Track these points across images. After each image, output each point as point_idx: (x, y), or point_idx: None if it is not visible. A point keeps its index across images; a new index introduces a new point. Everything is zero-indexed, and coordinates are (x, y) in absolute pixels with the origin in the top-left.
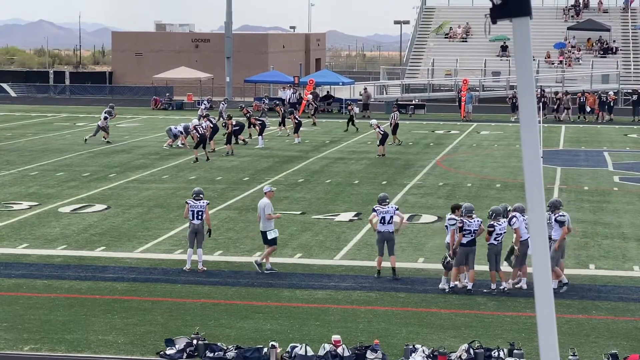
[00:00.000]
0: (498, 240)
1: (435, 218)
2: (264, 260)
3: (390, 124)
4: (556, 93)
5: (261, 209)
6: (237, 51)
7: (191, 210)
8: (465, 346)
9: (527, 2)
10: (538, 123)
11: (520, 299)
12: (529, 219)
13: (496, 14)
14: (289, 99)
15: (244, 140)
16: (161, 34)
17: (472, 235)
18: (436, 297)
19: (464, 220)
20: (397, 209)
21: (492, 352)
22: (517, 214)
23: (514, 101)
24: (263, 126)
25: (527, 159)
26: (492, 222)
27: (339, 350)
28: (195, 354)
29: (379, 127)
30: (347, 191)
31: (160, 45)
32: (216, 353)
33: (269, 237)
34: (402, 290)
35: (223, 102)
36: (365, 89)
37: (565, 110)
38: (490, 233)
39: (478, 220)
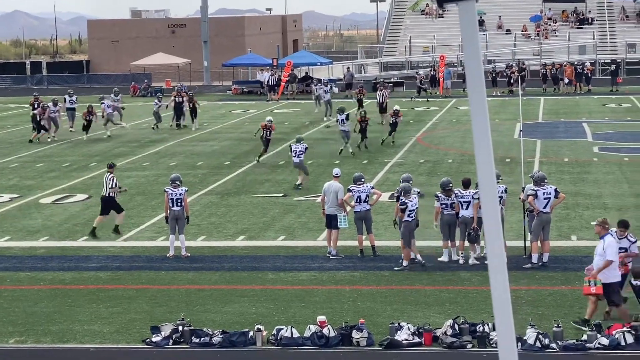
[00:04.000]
0: (412, 217)
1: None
2: (332, 245)
3: (379, 102)
4: (511, 66)
5: (332, 192)
6: (213, 35)
7: (170, 198)
8: (450, 322)
9: None
10: (517, 96)
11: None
12: (480, 194)
13: None
14: (267, 81)
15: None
16: (137, 20)
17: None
18: (420, 274)
19: (402, 198)
20: (373, 188)
21: (477, 327)
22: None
23: (494, 76)
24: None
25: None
26: (403, 199)
27: (325, 331)
28: (182, 340)
29: (397, 116)
30: (329, 172)
31: (136, 32)
32: (202, 338)
33: (340, 223)
34: (385, 268)
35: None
36: (348, 68)
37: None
38: (402, 210)
39: (415, 190)
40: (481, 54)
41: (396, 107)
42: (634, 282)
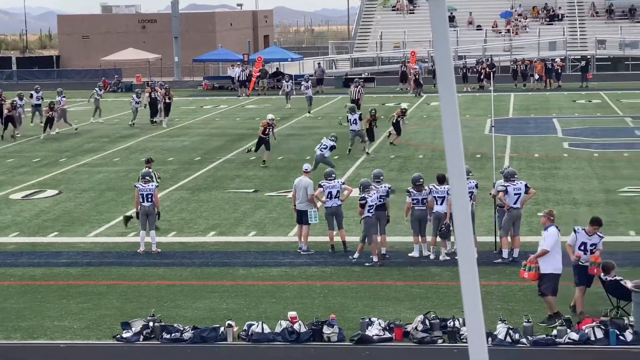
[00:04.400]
0: (372, 213)
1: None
2: (302, 241)
3: (353, 99)
4: (482, 62)
5: (302, 188)
6: (184, 31)
7: (140, 193)
8: (420, 317)
9: None
10: (487, 92)
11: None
12: (451, 190)
13: None
14: (238, 77)
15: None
16: (107, 15)
17: (380, 201)
18: (391, 270)
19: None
20: (344, 183)
21: (448, 322)
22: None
23: (464, 72)
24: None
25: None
26: (363, 195)
27: (296, 326)
28: (152, 336)
29: (403, 115)
30: (299, 167)
31: (106, 27)
32: (173, 334)
33: (310, 218)
34: (356, 264)
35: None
36: (319, 64)
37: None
38: (362, 206)
39: (385, 186)
40: (451, 49)
41: (404, 106)
42: (603, 277)
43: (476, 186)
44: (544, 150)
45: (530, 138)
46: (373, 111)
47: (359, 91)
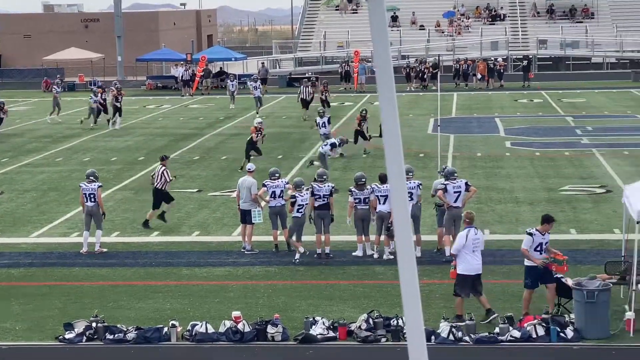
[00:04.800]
0: (301, 212)
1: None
2: (247, 241)
3: (302, 98)
4: (425, 62)
5: (246, 188)
6: (127, 30)
7: (84, 193)
8: (364, 316)
9: None
10: (430, 92)
11: (417, 266)
12: (390, 189)
13: None
14: (182, 76)
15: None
16: (49, 15)
17: (323, 200)
18: (335, 269)
19: (314, 185)
20: (287, 183)
21: (391, 321)
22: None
23: (408, 71)
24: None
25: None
26: (294, 193)
27: (240, 326)
28: (95, 337)
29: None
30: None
31: (49, 26)
32: (116, 335)
33: (253, 218)
34: (300, 263)
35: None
36: (262, 63)
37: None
38: (292, 204)
39: (329, 185)
40: (390, 49)
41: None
42: None
43: (419, 186)
44: (486, 150)
45: (473, 137)
46: (364, 112)
47: (309, 91)
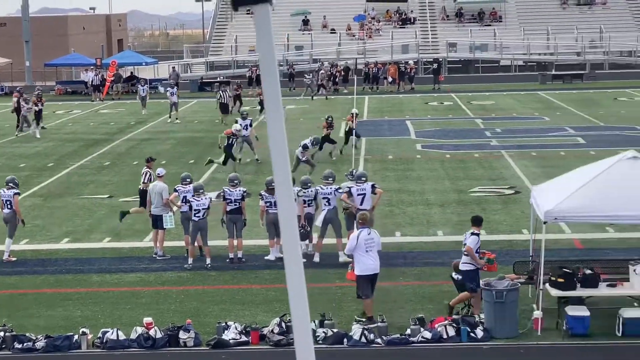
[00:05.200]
0: (199, 217)
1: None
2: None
3: (221, 102)
4: (336, 65)
5: (157, 193)
6: (36, 35)
7: (2, 199)
8: (277, 320)
9: None
10: (342, 95)
11: (330, 270)
12: (276, 194)
13: (237, 1)
14: (92, 81)
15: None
16: None
17: (235, 205)
18: (247, 273)
19: (225, 189)
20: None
21: None
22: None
23: (334, 73)
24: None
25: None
26: (189, 198)
27: (151, 332)
28: (3, 346)
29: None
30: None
31: None
32: (25, 344)
33: (165, 223)
34: (213, 268)
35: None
36: (173, 68)
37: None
38: (190, 209)
39: (240, 190)
40: (276, 55)
41: (355, 110)
42: (454, 276)
43: (337, 191)
44: (397, 152)
45: (384, 140)
46: (330, 118)
47: (228, 95)
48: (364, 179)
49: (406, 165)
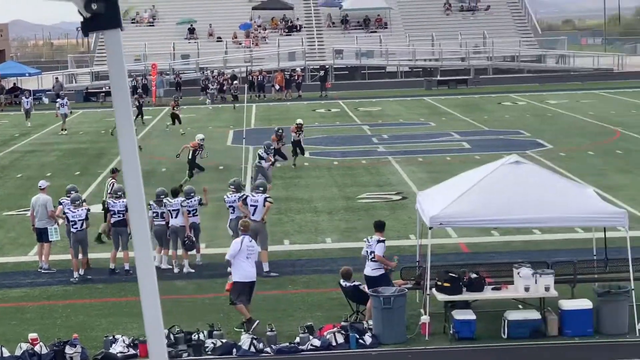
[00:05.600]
0: (76, 228)
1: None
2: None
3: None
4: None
5: (41, 205)
6: None
7: None
8: (165, 331)
9: (117, 15)
10: (228, 104)
11: (218, 279)
12: (128, 206)
13: (87, 27)
14: None
15: None
16: None
17: (119, 216)
18: (134, 285)
19: (109, 201)
20: (84, 201)
21: (192, 335)
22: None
23: (206, 84)
24: None
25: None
26: (67, 210)
27: (37, 348)
28: None
29: (300, 131)
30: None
31: None
32: None
33: (50, 236)
34: (99, 281)
35: None
36: (57, 78)
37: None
38: (68, 221)
39: (123, 201)
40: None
41: (299, 120)
42: (342, 283)
43: (266, 199)
44: (285, 160)
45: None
46: (280, 131)
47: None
48: (261, 189)
49: (294, 173)
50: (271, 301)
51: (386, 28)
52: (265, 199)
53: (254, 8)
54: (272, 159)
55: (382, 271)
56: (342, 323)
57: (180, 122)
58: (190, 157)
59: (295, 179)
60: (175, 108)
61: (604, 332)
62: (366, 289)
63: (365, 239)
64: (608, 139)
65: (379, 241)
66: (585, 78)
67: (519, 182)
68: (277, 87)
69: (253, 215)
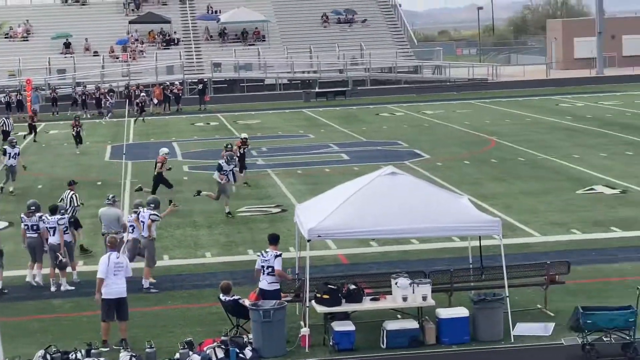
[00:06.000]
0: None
1: (6, 224)
2: None
3: (5, 130)
4: (98, 88)
5: None
6: None
7: None
8: (41, 352)
9: None
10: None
11: (184, 292)
12: None
13: None
14: None
15: None
16: None
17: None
18: (10, 304)
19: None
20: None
21: (70, 355)
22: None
23: (83, 98)
24: None
25: None
26: None
27: None
28: None
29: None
30: None
31: None
32: None
33: None
34: None
35: None
36: None
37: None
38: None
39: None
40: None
41: (244, 134)
42: (222, 298)
43: (150, 215)
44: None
45: (151, 163)
46: (229, 146)
47: (11, 123)
48: (152, 205)
49: (174, 187)
50: (150, 317)
51: (264, 41)
52: (149, 215)
53: (130, 22)
54: (225, 177)
55: (278, 285)
56: (222, 338)
57: (81, 142)
58: (156, 172)
59: (175, 194)
60: (75, 128)
61: (480, 339)
62: (245, 303)
63: (258, 253)
64: (483, 148)
65: (276, 256)
66: (460, 88)
67: (395, 193)
68: (156, 101)
69: (142, 231)
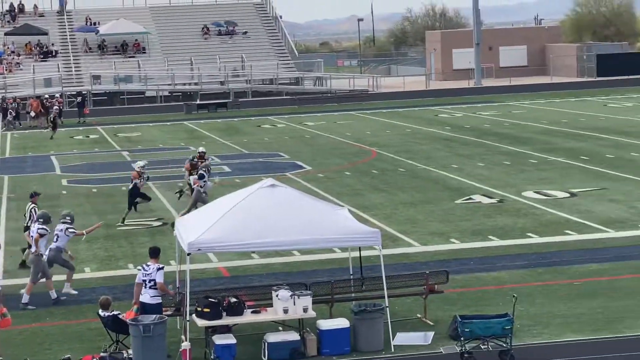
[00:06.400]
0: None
1: None
2: None
3: None
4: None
5: None
6: None
7: None
8: None
9: None
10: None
11: (42, 310)
12: None
13: None
14: None
15: None
16: None
17: None
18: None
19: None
20: None
21: None
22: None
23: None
24: None
25: None
26: None
27: None
28: None
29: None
30: None
31: None
32: None
33: None
34: None
35: None
36: None
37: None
38: None
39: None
40: None
41: (202, 148)
42: (101, 314)
43: (66, 230)
44: (43, 189)
45: (28, 177)
46: (195, 160)
47: None
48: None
49: (52, 202)
50: (28, 335)
51: (144, 53)
52: (37, 229)
53: (6, 34)
54: (199, 182)
55: (160, 299)
56: (102, 354)
57: None
58: (130, 187)
59: (54, 208)
60: None
61: (361, 349)
62: (125, 318)
63: (139, 267)
64: (364, 159)
65: (159, 269)
66: (341, 99)
67: (275, 206)
68: (33, 114)
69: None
